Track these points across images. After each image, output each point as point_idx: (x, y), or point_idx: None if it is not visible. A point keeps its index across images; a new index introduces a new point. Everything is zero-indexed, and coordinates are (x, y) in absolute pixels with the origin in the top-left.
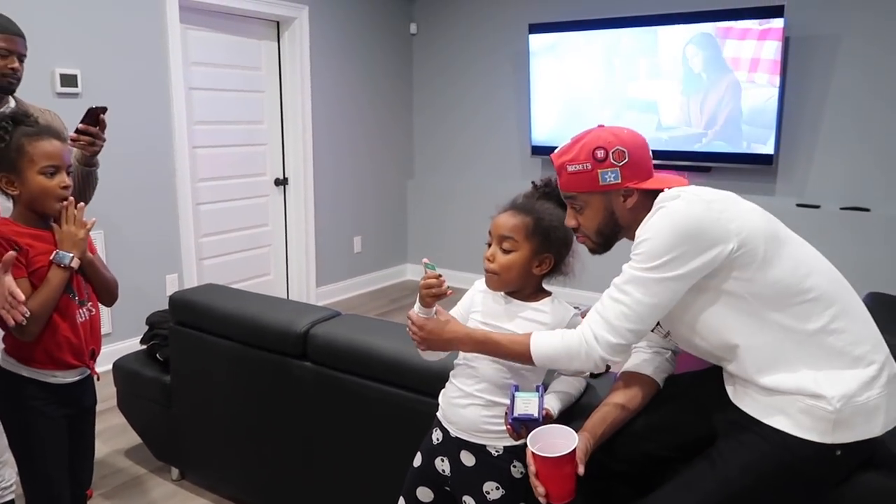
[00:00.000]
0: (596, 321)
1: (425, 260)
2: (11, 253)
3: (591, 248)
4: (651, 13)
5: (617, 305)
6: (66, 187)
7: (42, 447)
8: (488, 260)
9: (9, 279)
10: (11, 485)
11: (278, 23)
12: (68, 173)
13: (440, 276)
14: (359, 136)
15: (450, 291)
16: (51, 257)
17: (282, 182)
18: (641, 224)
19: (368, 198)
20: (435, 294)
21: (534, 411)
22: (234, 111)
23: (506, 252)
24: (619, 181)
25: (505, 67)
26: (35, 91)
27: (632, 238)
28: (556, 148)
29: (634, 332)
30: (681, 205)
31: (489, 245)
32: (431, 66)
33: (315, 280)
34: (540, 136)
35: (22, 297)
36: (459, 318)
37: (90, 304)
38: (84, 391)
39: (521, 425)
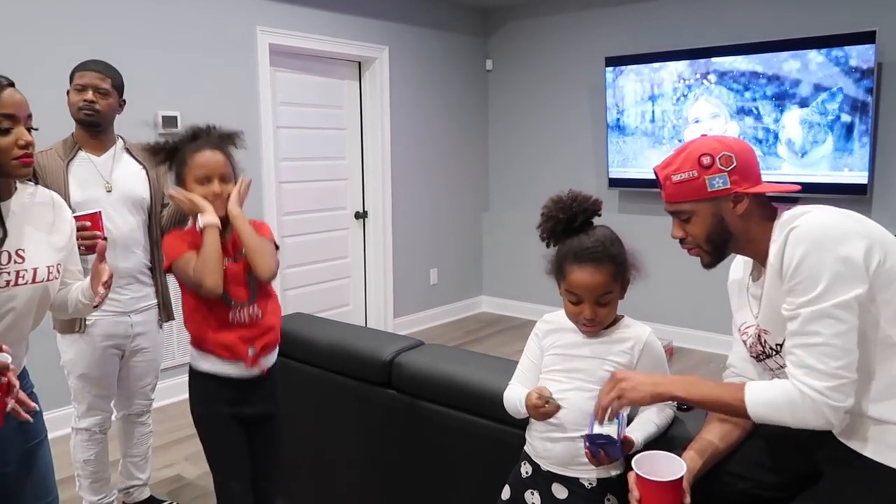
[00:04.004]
0: (800, 376)
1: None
2: (103, 243)
3: (704, 260)
4: (733, 43)
5: (813, 349)
6: (217, 195)
7: (228, 454)
8: (588, 319)
9: (104, 266)
10: (145, 482)
11: (360, 63)
12: (224, 182)
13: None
14: (436, 170)
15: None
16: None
17: (362, 215)
18: (772, 251)
19: (445, 231)
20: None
21: (612, 433)
22: (317, 148)
23: (604, 305)
24: (729, 186)
25: (581, 101)
26: (141, 131)
27: (742, 250)
28: (633, 179)
29: (845, 367)
30: (815, 216)
31: (573, 303)
32: (507, 101)
33: (392, 311)
34: (617, 168)
35: (104, 278)
36: (533, 367)
37: (256, 305)
38: (262, 396)
39: (599, 449)
